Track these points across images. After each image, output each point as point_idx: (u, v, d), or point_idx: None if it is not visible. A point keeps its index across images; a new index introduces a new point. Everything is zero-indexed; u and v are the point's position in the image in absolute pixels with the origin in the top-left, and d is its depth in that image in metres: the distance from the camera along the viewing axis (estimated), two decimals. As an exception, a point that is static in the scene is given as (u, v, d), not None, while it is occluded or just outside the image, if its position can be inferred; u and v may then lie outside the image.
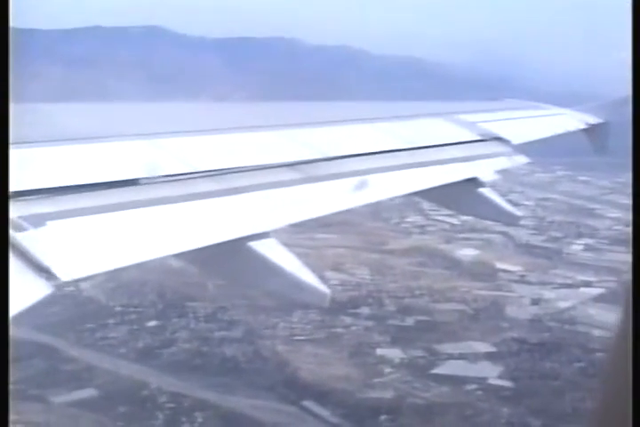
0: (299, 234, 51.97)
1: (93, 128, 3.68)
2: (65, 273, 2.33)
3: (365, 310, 39.71)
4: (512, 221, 5.35)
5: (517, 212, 5.19)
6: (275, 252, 3.20)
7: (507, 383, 32.65)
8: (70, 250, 2.48)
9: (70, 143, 3.23)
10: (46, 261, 2.31)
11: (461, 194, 4.97)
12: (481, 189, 4.94)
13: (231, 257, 3.19)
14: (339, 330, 37.12)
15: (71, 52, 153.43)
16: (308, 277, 3.24)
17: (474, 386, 32.28)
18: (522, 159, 5.69)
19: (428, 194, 5.05)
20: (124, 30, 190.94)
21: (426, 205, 62.33)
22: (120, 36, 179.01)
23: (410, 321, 38.60)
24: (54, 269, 2.30)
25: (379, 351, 35.03)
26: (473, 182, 4.97)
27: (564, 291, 44.23)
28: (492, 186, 5.29)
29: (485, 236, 54.59)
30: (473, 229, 56.39)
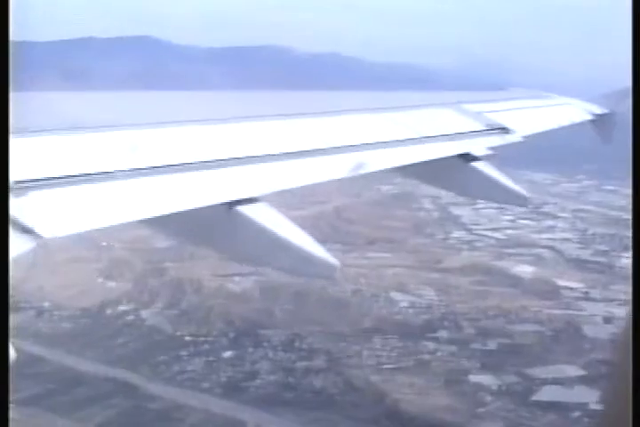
0: (348, 253, 51.10)
1: (97, 117, 3.67)
2: (47, 232, 2.50)
3: (444, 334, 38.91)
4: (521, 202, 5.24)
5: (525, 192, 5.04)
6: (274, 221, 3.12)
7: (609, 409, 32.05)
8: (52, 214, 2.62)
9: (73, 132, 3.26)
10: (29, 222, 2.47)
11: (462, 175, 4.90)
12: (475, 164, 4.88)
13: (235, 232, 3.15)
14: (425, 357, 36.25)
15: (64, 62, 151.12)
16: (315, 248, 3.12)
17: (578, 413, 31.68)
18: (514, 138, 5.60)
19: (428, 178, 5.15)
20: (116, 41, 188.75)
21: (466, 219, 62.04)
22: (113, 46, 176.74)
23: (492, 345, 37.90)
24: (37, 229, 2.48)
25: (472, 378, 34.26)
26: (468, 158, 4.90)
27: (630, 307, 43.89)
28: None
29: (534, 251, 54.19)
30: (519, 244, 56.06)
